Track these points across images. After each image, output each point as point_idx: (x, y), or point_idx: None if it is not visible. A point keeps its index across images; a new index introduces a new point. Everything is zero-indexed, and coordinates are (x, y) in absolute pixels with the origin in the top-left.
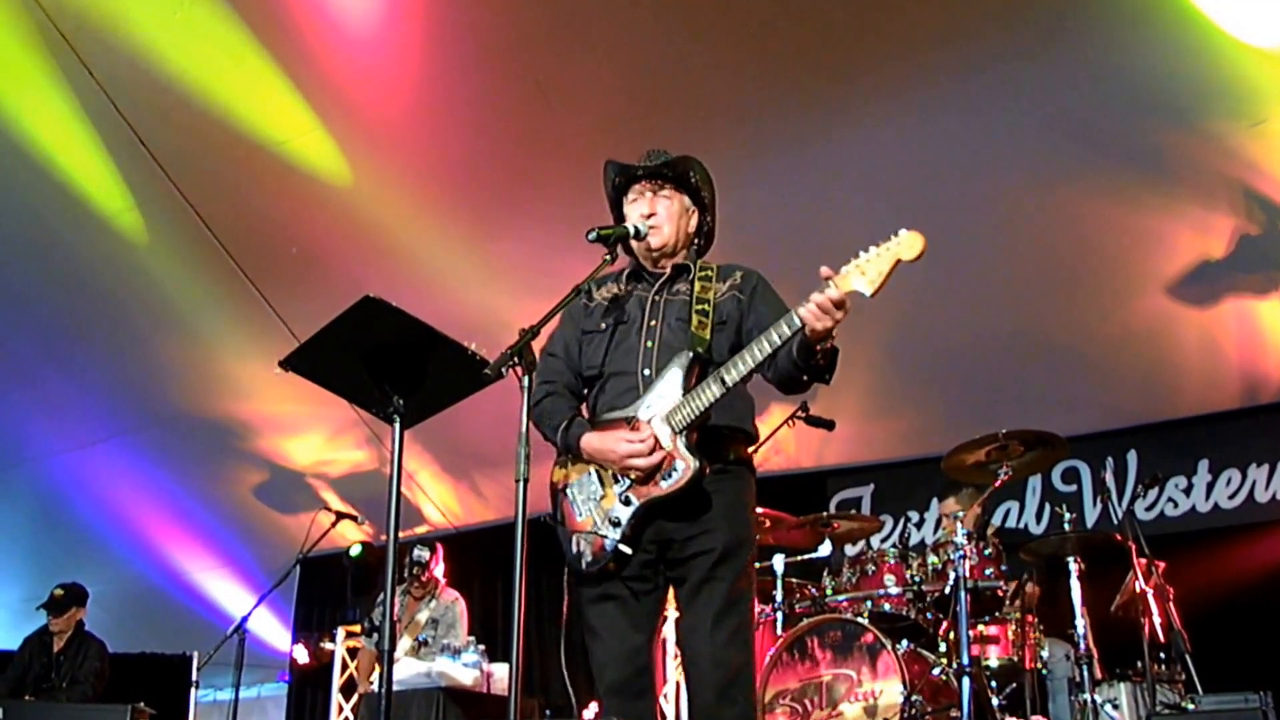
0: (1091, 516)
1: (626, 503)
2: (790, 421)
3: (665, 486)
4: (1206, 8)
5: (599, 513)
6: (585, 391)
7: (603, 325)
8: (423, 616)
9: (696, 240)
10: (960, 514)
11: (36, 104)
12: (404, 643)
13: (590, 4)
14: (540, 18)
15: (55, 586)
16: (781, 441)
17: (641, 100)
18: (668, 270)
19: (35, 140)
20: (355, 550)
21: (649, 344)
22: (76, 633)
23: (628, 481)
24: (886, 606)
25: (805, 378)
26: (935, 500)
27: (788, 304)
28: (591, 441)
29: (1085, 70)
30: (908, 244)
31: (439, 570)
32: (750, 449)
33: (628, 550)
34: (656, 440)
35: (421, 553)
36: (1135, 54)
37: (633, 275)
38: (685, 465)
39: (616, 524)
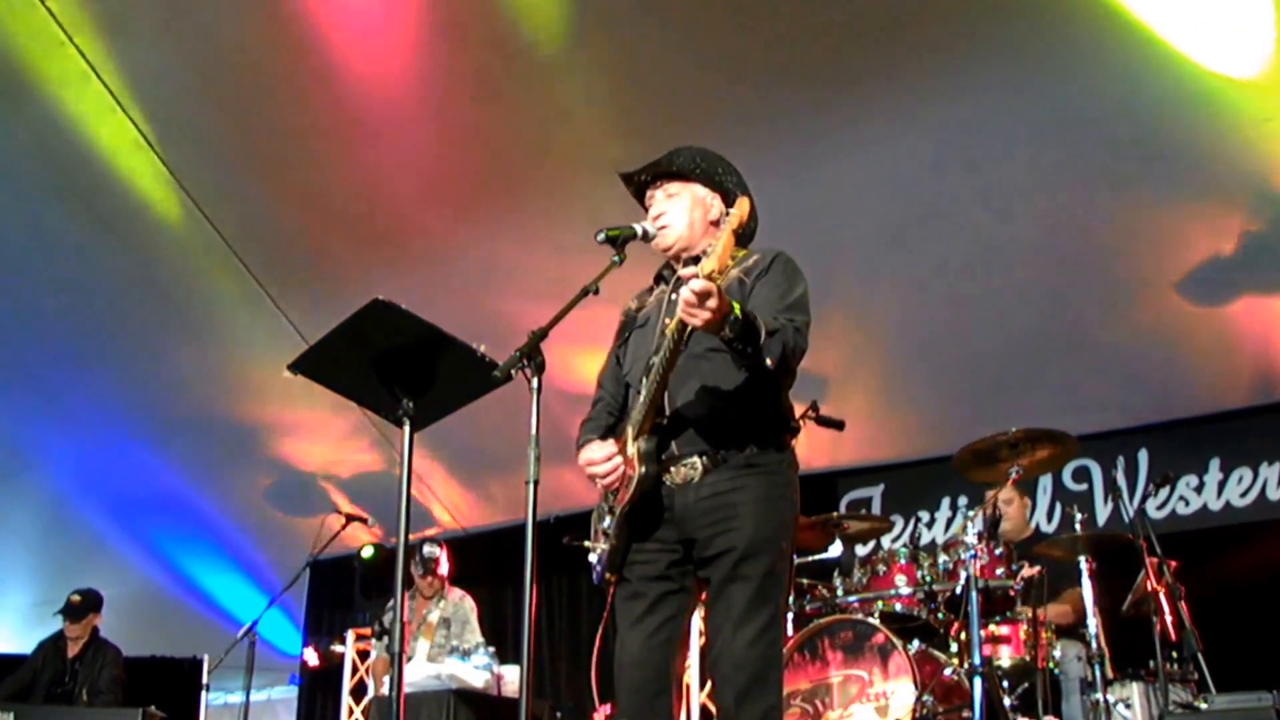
0: (1103, 515)
1: (611, 513)
2: (800, 421)
3: (628, 496)
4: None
5: (601, 524)
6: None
7: (628, 332)
8: (434, 617)
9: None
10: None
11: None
12: (421, 645)
13: (598, 5)
14: (547, 19)
15: (72, 592)
16: None
17: (649, 100)
18: (679, 266)
19: (39, 147)
20: (367, 552)
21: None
22: (92, 639)
23: (616, 491)
24: (898, 607)
25: (744, 368)
26: (949, 497)
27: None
28: (579, 456)
29: (1094, 67)
30: (735, 217)
31: (444, 569)
32: (787, 439)
33: (608, 576)
34: (622, 450)
35: (432, 549)
36: (1144, 51)
37: (658, 276)
38: (633, 474)
39: (606, 535)
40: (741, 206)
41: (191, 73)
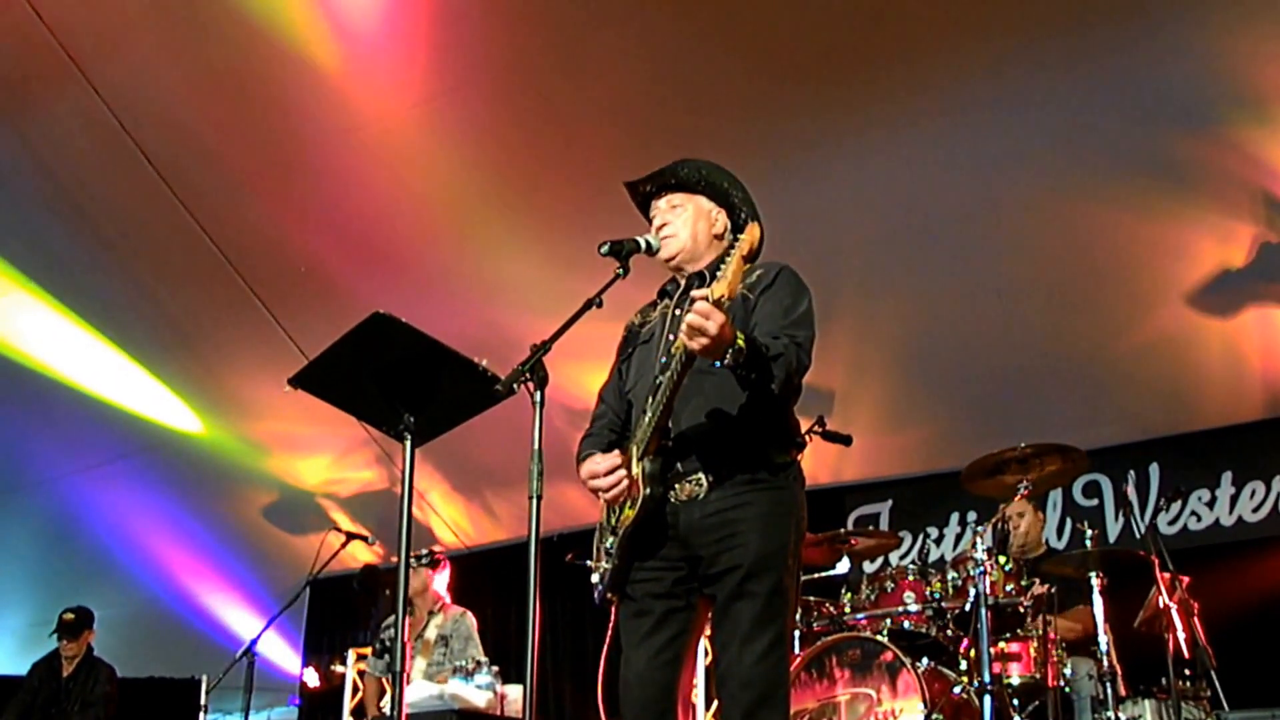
0: (1113, 531)
1: (614, 533)
2: (806, 436)
3: (632, 515)
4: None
5: (604, 544)
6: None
7: (631, 348)
8: (431, 634)
9: (736, 239)
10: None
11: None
12: (418, 663)
13: (598, 14)
14: (547, 27)
15: (64, 610)
16: None
17: (650, 109)
18: (683, 281)
19: (36, 163)
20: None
21: (663, 360)
22: (86, 657)
23: (619, 511)
24: (906, 624)
25: (747, 392)
26: (957, 513)
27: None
28: (580, 469)
29: (1103, 77)
30: (745, 242)
31: (440, 583)
32: (792, 454)
33: (608, 595)
34: (627, 465)
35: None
36: (1154, 61)
37: (663, 290)
38: (638, 494)
39: (609, 554)
40: (752, 232)
41: (194, 89)
